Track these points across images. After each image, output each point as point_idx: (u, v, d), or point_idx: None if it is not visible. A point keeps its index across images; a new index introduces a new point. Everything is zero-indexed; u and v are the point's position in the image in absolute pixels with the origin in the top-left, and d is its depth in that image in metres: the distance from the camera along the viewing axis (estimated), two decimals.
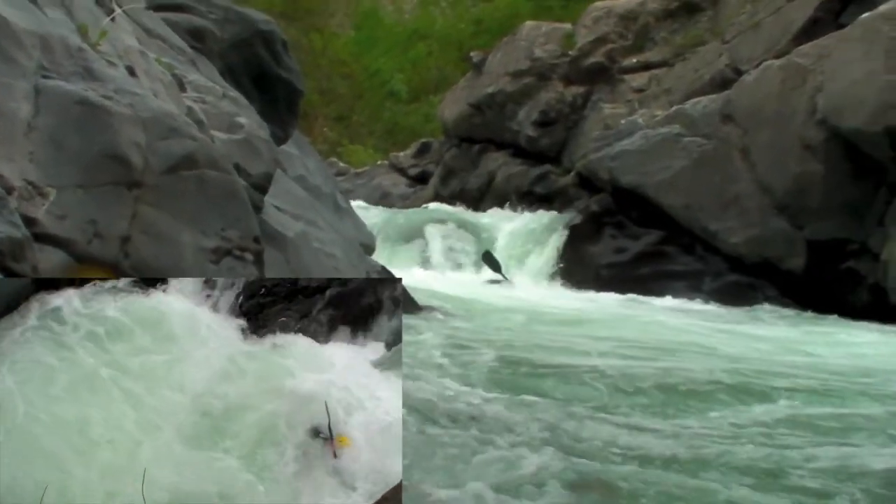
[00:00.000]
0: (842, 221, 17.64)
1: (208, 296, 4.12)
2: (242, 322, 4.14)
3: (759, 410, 7.07)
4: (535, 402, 6.73)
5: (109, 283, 4.03)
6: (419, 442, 5.26)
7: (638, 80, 24.36)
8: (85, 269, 4.67)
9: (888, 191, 17.04)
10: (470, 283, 17.98)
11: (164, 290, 4.08)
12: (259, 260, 5.15)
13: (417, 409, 6.01)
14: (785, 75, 18.70)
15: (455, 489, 4.48)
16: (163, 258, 4.79)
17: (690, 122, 19.91)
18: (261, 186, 7.65)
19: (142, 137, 4.99)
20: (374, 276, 11.18)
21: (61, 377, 3.72)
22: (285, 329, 4.14)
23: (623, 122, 21.80)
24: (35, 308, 3.94)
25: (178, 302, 4.11)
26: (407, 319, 10.91)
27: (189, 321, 4.05)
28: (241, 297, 4.15)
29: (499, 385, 7.25)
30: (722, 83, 20.74)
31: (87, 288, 4.00)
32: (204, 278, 4.38)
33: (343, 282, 4.32)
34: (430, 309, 11.74)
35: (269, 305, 4.19)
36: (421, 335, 9.64)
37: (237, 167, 6.93)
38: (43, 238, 4.45)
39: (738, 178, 18.86)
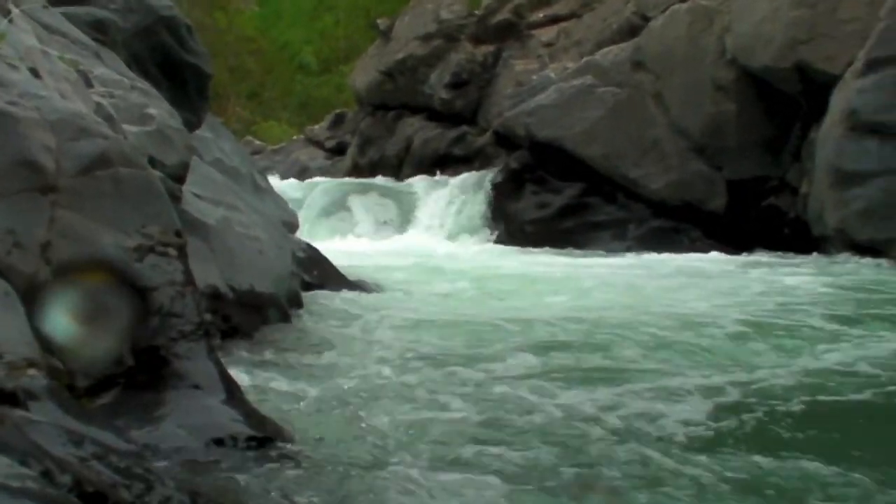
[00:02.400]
0: (759, 159, 17.83)
1: None
2: None
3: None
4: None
5: None
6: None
7: (547, 34, 24.35)
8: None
9: (802, 125, 17.22)
10: (397, 251, 17.93)
11: None
12: (183, 253, 5.06)
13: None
14: (692, 18, 18.82)
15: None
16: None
17: (602, 72, 19.98)
18: (177, 176, 7.55)
19: (52, 141, 4.88)
20: (300, 254, 11.12)
21: None
22: None
23: (535, 77, 21.82)
24: None
25: None
26: (339, 293, 10.90)
27: None
28: None
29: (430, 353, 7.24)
30: (630, 31, 20.81)
31: None
32: None
33: None
34: (356, 280, 11.69)
35: None
36: (352, 310, 9.61)
37: (151, 159, 6.83)
38: None
39: (654, 123, 18.98)
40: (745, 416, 5.37)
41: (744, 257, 15.93)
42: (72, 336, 4.40)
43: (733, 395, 5.88)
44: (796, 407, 5.58)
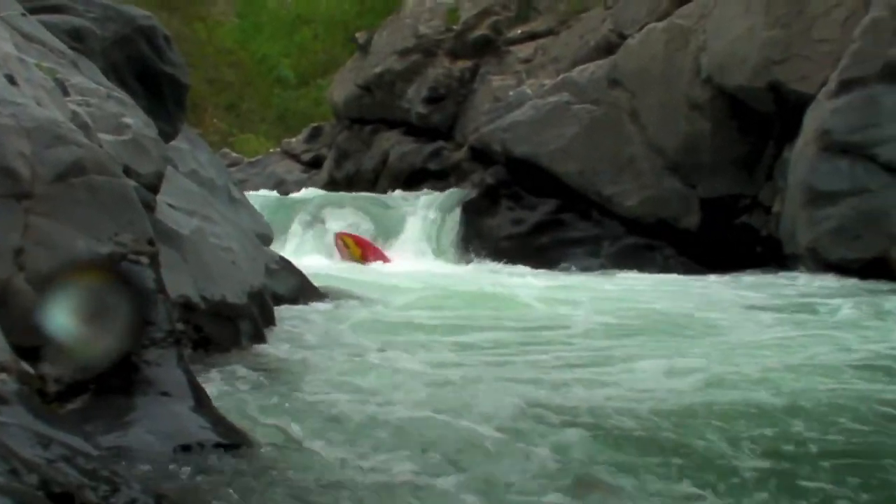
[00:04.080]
0: (733, 177, 17.97)
1: None
2: None
3: None
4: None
5: None
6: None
7: (524, 50, 24.48)
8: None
9: (775, 145, 17.37)
10: (368, 266, 18.01)
11: None
12: (155, 262, 5.10)
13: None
14: (668, 37, 18.97)
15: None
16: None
17: (579, 90, 20.10)
18: (152, 186, 7.57)
19: (27, 147, 4.92)
20: (273, 266, 11.14)
21: None
22: None
23: (512, 93, 21.91)
24: None
25: None
26: (311, 306, 10.96)
27: None
28: None
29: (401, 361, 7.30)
30: (607, 48, 20.94)
31: None
32: None
33: None
34: (329, 294, 11.74)
35: None
36: (323, 322, 9.67)
37: (126, 168, 6.85)
38: None
39: (630, 141, 19.11)
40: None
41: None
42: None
43: None
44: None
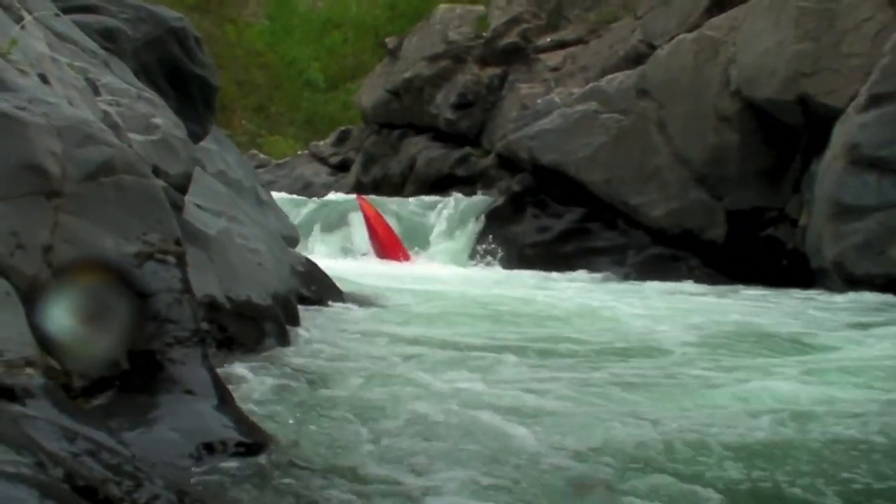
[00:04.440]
0: (759, 190, 17.93)
1: None
2: None
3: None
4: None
5: None
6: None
7: (553, 58, 24.51)
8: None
9: (802, 157, 17.33)
10: (396, 270, 18.02)
11: None
12: (181, 262, 5.15)
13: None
14: (698, 48, 18.95)
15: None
16: None
17: (607, 99, 20.09)
18: (180, 186, 7.63)
19: (58, 146, 4.97)
20: (299, 268, 11.19)
21: None
22: None
23: (540, 101, 21.91)
24: None
25: None
26: (336, 309, 11.00)
27: None
28: None
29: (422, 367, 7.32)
30: (636, 58, 20.95)
31: None
32: None
33: None
34: (355, 298, 11.77)
35: None
36: (348, 325, 9.70)
37: (155, 168, 6.92)
38: None
39: (657, 151, 19.09)
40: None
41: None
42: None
43: None
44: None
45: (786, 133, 17.45)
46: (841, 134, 15.75)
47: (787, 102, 17.01)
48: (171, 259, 5.08)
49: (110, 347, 4.59)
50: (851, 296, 14.06)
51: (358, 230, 21.07)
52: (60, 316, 4.50)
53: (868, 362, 8.20)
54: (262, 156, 34.57)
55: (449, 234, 20.83)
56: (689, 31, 19.55)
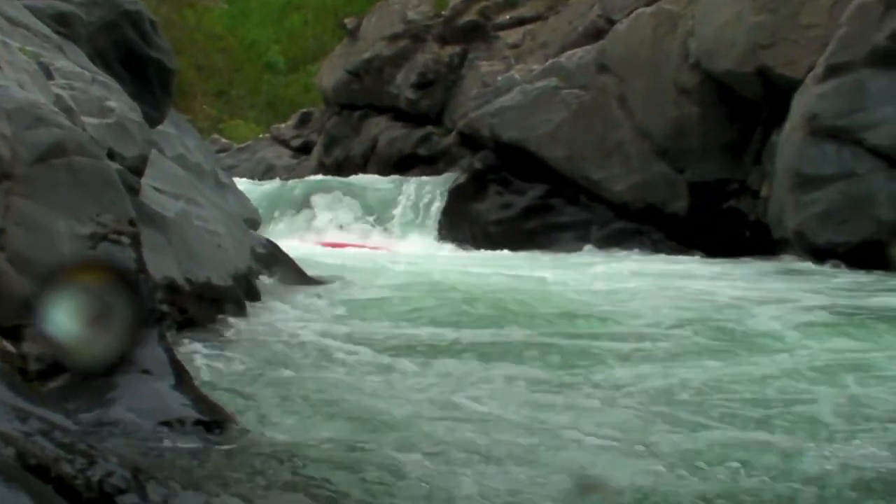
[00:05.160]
0: (721, 162, 18.00)
1: None
2: None
3: None
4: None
5: None
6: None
7: (513, 35, 24.45)
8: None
9: (763, 129, 17.39)
10: (356, 252, 18.02)
11: None
12: (136, 242, 5.14)
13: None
14: (656, 22, 18.98)
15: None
16: (39, 248, 4.78)
17: (567, 75, 20.11)
18: (136, 169, 7.61)
19: (7, 129, 4.95)
20: (260, 250, 11.17)
21: None
22: None
23: (500, 78, 21.90)
24: None
25: None
26: (298, 290, 10.97)
27: None
28: None
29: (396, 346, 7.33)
30: (596, 34, 20.92)
31: None
32: None
33: None
34: (317, 279, 11.74)
35: None
36: (308, 304, 9.69)
37: (110, 152, 6.90)
38: None
39: (618, 126, 19.13)
40: None
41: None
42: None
43: None
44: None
45: (746, 105, 17.49)
46: (800, 105, 15.81)
47: (746, 74, 17.05)
48: (125, 239, 5.07)
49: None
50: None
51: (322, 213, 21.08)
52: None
53: None
54: (223, 140, 34.37)
55: (411, 214, 20.79)
56: (648, 4, 19.55)
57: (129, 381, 4.57)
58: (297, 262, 12.06)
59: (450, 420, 5.19)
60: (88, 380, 4.54)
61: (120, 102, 8.09)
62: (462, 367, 6.62)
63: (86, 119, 7.01)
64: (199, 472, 3.84)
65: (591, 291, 11.36)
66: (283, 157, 30.31)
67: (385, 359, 6.93)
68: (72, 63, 8.43)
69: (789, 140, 15.81)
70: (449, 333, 8.12)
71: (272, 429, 4.86)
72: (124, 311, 4.62)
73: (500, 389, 5.92)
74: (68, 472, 3.03)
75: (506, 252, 18.02)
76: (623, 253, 17.27)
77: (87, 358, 4.48)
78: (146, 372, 4.66)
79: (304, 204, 21.64)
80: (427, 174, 22.21)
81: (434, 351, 7.32)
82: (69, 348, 4.43)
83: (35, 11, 9.20)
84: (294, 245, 15.64)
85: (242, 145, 33.03)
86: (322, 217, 20.99)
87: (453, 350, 7.43)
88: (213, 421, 4.52)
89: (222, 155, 27.68)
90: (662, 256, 16.73)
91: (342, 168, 25.71)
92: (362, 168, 25.09)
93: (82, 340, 4.46)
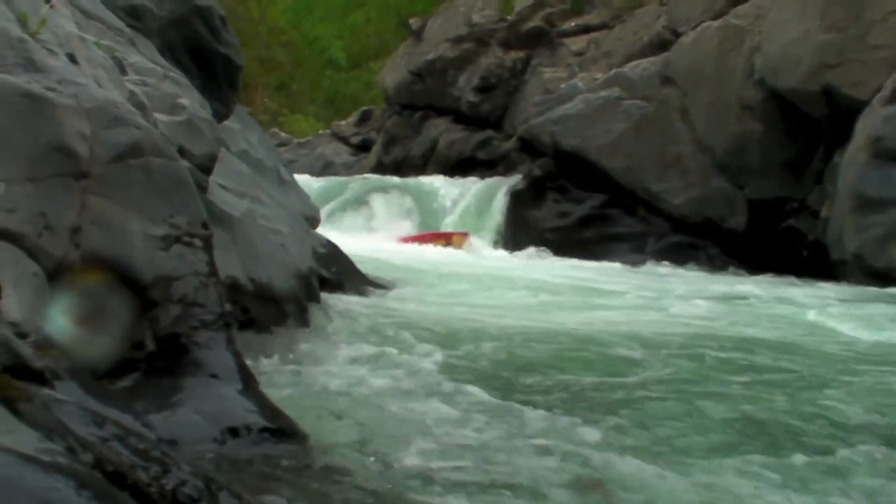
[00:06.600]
0: (781, 180, 17.89)
1: None
2: None
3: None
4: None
5: None
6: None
7: (577, 43, 24.44)
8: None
9: (825, 149, 17.27)
10: (418, 251, 18.02)
11: None
12: (208, 245, 5.17)
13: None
14: (722, 36, 18.89)
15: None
16: (112, 248, 4.81)
17: (630, 85, 20.07)
18: (205, 167, 7.64)
19: (86, 128, 4.98)
20: (321, 249, 11.20)
21: None
22: None
23: (563, 86, 21.89)
24: None
25: None
26: (357, 291, 10.99)
27: None
28: None
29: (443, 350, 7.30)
30: (660, 45, 20.88)
31: None
32: None
33: None
34: (376, 280, 11.77)
35: None
36: (368, 308, 9.69)
37: (181, 149, 6.93)
38: None
39: (679, 139, 19.06)
40: None
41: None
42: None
43: None
44: None
45: (809, 124, 17.38)
46: (865, 126, 15.69)
47: (811, 93, 16.94)
48: (197, 242, 5.10)
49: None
50: None
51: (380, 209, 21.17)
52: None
53: None
54: (283, 134, 34.58)
55: (472, 217, 20.77)
56: (715, 18, 19.48)
57: (197, 384, 4.60)
58: (354, 261, 12.09)
59: (510, 436, 5.17)
60: (156, 381, 4.57)
61: (191, 100, 8.14)
62: (528, 386, 6.57)
63: (157, 116, 7.06)
64: (266, 482, 3.86)
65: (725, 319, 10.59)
66: (343, 153, 30.45)
67: (442, 369, 6.86)
68: (144, 58, 8.49)
69: (852, 161, 15.69)
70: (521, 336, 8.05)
71: (337, 438, 4.87)
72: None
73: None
74: (143, 479, 3.05)
75: (574, 261, 17.92)
76: (680, 270, 17.11)
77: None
78: (213, 376, 4.68)
79: (361, 202, 21.67)
80: (485, 178, 22.20)
81: (496, 351, 7.28)
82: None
83: (108, 4, 9.25)
84: (354, 244, 15.60)
85: (302, 140, 33.21)
86: (380, 216, 21.04)
87: (525, 360, 7.37)
88: (279, 428, 4.53)
89: (282, 149, 27.83)
90: (743, 276, 16.45)
91: (401, 167, 25.79)
92: (421, 168, 25.17)
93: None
